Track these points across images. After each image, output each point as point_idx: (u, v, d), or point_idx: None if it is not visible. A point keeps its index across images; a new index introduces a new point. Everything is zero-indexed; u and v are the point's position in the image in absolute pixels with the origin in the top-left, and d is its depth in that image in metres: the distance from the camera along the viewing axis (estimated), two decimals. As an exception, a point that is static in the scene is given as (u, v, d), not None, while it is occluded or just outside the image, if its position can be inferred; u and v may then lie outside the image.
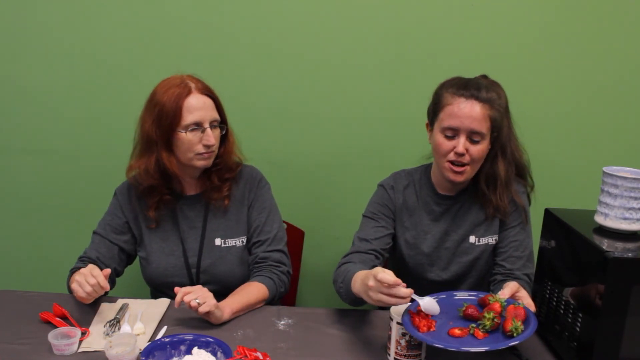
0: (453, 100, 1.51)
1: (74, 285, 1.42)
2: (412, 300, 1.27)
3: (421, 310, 1.29)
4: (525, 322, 1.25)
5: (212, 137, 1.57)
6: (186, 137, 1.54)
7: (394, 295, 1.23)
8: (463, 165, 1.52)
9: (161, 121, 1.54)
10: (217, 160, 1.63)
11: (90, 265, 1.45)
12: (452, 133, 1.52)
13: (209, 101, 1.58)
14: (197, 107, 1.55)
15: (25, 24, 2.08)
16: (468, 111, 1.49)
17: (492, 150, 1.57)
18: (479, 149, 1.52)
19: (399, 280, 1.23)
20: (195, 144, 1.56)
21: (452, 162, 1.53)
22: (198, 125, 1.55)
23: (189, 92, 1.55)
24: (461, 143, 1.50)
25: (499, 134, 1.56)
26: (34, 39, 2.09)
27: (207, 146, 1.57)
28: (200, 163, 1.59)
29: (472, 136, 1.50)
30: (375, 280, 1.25)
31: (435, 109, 1.57)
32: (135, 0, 2.05)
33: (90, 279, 1.40)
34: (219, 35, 2.07)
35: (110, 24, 2.07)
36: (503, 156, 1.59)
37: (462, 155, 1.51)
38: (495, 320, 1.26)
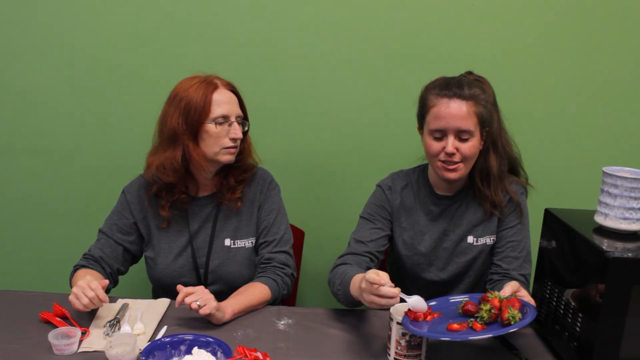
0: (437, 101, 1.52)
1: (70, 297, 1.41)
2: (402, 300, 1.29)
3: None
4: (523, 311, 1.26)
5: (239, 130, 1.60)
6: (214, 129, 1.56)
7: (382, 295, 1.25)
8: (455, 163, 1.53)
9: (189, 114, 1.55)
10: (238, 157, 1.65)
11: (89, 277, 1.45)
12: (440, 134, 1.52)
13: (234, 97, 1.62)
14: (224, 100, 1.58)
15: (25, 24, 2.07)
16: (452, 110, 1.49)
17: (484, 145, 1.57)
18: (469, 147, 1.52)
19: (382, 280, 1.25)
20: (223, 137, 1.58)
21: (444, 162, 1.53)
22: (225, 119, 1.58)
23: (215, 87, 1.59)
24: (450, 143, 1.50)
25: (490, 129, 1.56)
26: (34, 39, 2.09)
27: (233, 139, 1.59)
28: (226, 157, 1.60)
29: (460, 134, 1.51)
30: (366, 281, 1.27)
31: (422, 113, 1.58)
32: (135, 0, 2.05)
33: (88, 292, 1.39)
34: (218, 35, 2.07)
35: (111, 23, 2.07)
36: (495, 151, 1.59)
37: (452, 154, 1.51)
38: (493, 311, 1.27)
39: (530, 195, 1.70)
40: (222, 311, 1.45)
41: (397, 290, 1.26)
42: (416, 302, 1.31)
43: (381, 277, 1.26)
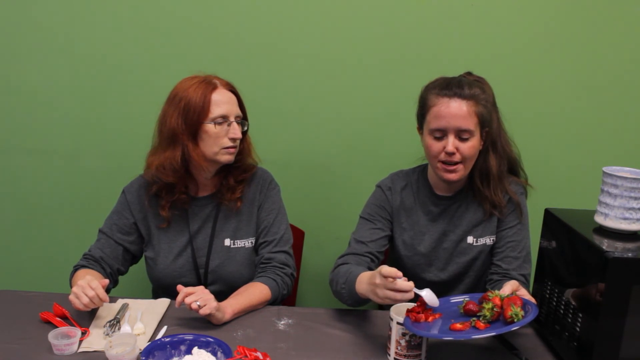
0: (437, 101, 1.52)
1: (71, 297, 1.41)
2: (416, 294, 1.29)
3: (420, 305, 1.30)
4: (525, 309, 1.26)
5: (238, 130, 1.60)
6: (214, 129, 1.56)
7: (398, 289, 1.25)
8: (455, 163, 1.53)
9: (188, 114, 1.55)
10: (237, 157, 1.65)
11: (89, 277, 1.45)
12: (441, 134, 1.52)
13: (233, 97, 1.62)
14: (223, 100, 1.58)
15: (25, 23, 2.07)
16: (453, 110, 1.50)
17: (483, 145, 1.57)
18: (469, 146, 1.52)
19: (399, 272, 1.26)
20: (222, 137, 1.58)
21: (444, 162, 1.53)
22: (224, 119, 1.58)
23: (214, 87, 1.59)
24: (450, 142, 1.50)
25: (490, 129, 1.56)
26: (34, 39, 2.09)
27: (233, 139, 1.59)
28: (225, 158, 1.60)
29: (461, 134, 1.51)
30: (381, 276, 1.27)
31: (422, 112, 1.58)
32: (136, 0, 2.05)
33: (88, 291, 1.40)
34: (218, 35, 2.07)
35: (112, 23, 2.07)
36: (494, 151, 1.59)
37: (452, 154, 1.51)
38: (495, 309, 1.27)
39: (530, 195, 1.70)
40: (222, 311, 1.45)
41: (411, 283, 1.26)
42: (428, 295, 1.31)
43: (400, 273, 1.26)
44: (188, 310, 1.42)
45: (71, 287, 1.55)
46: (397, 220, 1.69)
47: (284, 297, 1.68)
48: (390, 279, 1.25)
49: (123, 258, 1.69)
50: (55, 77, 2.12)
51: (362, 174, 2.16)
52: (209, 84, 1.58)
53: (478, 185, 1.61)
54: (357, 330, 1.48)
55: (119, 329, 1.41)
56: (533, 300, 1.35)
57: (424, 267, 1.68)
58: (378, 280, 1.29)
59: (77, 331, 1.35)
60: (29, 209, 2.24)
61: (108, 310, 1.49)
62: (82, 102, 2.14)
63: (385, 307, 1.35)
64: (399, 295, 1.26)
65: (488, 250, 1.66)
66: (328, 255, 2.22)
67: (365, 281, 1.38)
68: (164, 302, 1.56)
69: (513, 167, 1.68)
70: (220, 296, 1.51)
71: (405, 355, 1.30)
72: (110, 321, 1.43)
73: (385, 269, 1.26)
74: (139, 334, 1.39)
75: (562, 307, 1.35)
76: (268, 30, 2.07)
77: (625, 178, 1.28)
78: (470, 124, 1.50)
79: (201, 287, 1.45)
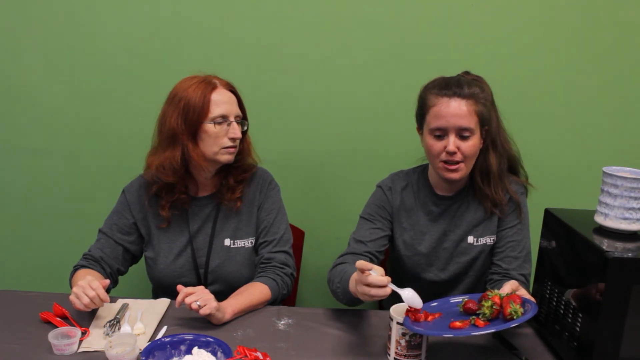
0: (437, 100, 1.52)
1: (71, 297, 1.41)
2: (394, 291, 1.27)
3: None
4: (524, 307, 1.26)
5: (238, 130, 1.60)
6: (213, 129, 1.56)
7: (370, 283, 1.23)
8: (456, 163, 1.53)
9: (188, 114, 1.55)
10: (237, 157, 1.65)
11: (89, 277, 1.45)
12: (441, 133, 1.52)
13: (233, 97, 1.63)
14: (223, 100, 1.58)
15: (25, 23, 2.07)
16: (453, 109, 1.50)
17: (483, 144, 1.58)
18: (470, 145, 1.52)
19: (369, 264, 1.24)
20: (222, 137, 1.58)
21: (445, 162, 1.53)
22: (224, 118, 1.58)
23: (214, 87, 1.59)
24: (451, 142, 1.50)
25: (489, 127, 1.56)
26: (33, 39, 2.09)
27: (232, 139, 1.59)
28: (225, 157, 1.60)
29: (461, 133, 1.51)
30: (358, 272, 1.27)
31: (421, 112, 1.58)
32: (136, 0, 2.05)
33: (89, 292, 1.40)
34: (217, 35, 2.07)
35: (111, 23, 2.07)
36: (494, 149, 1.60)
37: (453, 153, 1.51)
38: (495, 307, 1.27)
39: (530, 195, 1.70)
40: (222, 311, 1.45)
41: (385, 279, 1.24)
42: (410, 294, 1.28)
43: (372, 266, 1.25)
44: (188, 310, 1.42)
45: (71, 287, 1.55)
46: (397, 221, 1.70)
47: (284, 297, 1.68)
48: (367, 273, 1.24)
49: (123, 258, 1.69)
50: (55, 77, 2.12)
51: (362, 174, 2.16)
52: (208, 83, 1.59)
53: (479, 184, 1.61)
54: (357, 330, 1.48)
55: (119, 329, 1.41)
56: (532, 299, 1.35)
57: (424, 267, 1.68)
58: (356, 276, 1.29)
59: (77, 331, 1.36)
60: (29, 209, 2.24)
61: (108, 310, 1.49)
62: (82, 102, 2.14)
63: (386, 307, 1.35)
64: (373, 291, 1.23)
65: (488, 250, 1.66)
66: (328, 255, 2.21)
67: (353, 279, 1.38)
68: (164, 302, 1.56)
69: (513, 165, 1.68)
70: (220, 296, 1.51)
71: (405, 355, 1.30)
72: (110, 321, 1.43)
73: (359, 262, 1.25)
74: (139, 334, 1.39)
75: (562, 307, 1.35)
76: (268, 30, 2.07)
77: (625, 178, 1.28)
78: (471, 122, 1.50)
79: (201, 287, 1.45)
